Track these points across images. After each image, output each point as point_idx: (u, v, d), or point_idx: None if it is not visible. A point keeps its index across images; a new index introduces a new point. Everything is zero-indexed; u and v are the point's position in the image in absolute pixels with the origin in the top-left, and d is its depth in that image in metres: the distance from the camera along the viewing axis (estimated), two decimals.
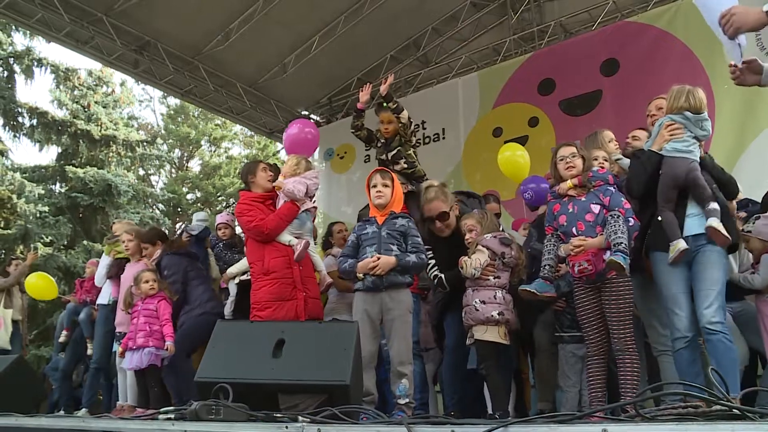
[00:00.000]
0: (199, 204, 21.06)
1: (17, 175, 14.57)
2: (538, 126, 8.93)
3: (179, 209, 20.13)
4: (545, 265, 3.87)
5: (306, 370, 2.91)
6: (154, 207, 17.76)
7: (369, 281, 3.68)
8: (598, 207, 3.76)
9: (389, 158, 5.22)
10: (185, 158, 23.14)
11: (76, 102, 16.37)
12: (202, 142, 22.89)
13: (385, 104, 5.17)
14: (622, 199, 3.73)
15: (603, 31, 8.82)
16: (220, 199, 21.14)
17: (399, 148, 5.19)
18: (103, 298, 6.42)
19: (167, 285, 5.42)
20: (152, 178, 22.01)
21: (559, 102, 8.81)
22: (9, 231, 13.73)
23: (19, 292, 7.63)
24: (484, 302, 3.99)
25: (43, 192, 14.91)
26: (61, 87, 16.38)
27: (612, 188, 3.79)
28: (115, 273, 6.23)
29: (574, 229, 3.78)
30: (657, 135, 3.82)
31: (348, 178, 11.23)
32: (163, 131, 22.63)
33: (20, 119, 15.01)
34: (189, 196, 21.48)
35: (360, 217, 4.91)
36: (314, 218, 5.08)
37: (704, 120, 3.77)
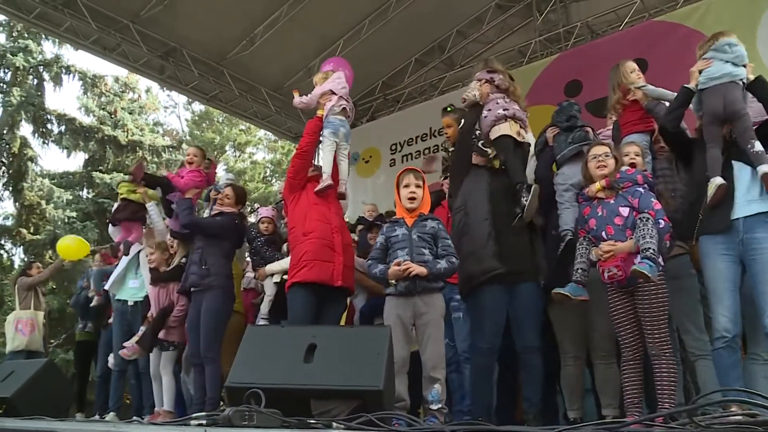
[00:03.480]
0: None
1: (46, 181, 14.77)
2: None
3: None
4: (578, 269, 3.79)
5: (338, 375, 2.86)
6: None
7: (402, 286, 3.62)
8: (627, 209, 3.67)
9: None
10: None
11: (103, 108, 16.57)
12: (227, 148, 23.00)
13: (449, 109, 5.15)
14: (653, 200, 3.63)
15: (630, 32, 8.68)
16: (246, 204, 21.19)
17: None
18: (122, 292, 6.26)
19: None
20: None
21: (586, 104, 8.64)
22: (38, 236, 13.90)
23: (42, 295, 7.66)
24: (489, 109, 4.28)
25: (71, 197, 15.08)
26: (89, 94, 16.58)
27: (641, 189, 3.69)
28: (123, 216, 6.12)
29: (603, 233, 3.70)
30: (690, 75, 3.74)
31: (373, 182, 11.19)
32: (188, 137, 22.80)
33: (49, 126, 15.21)
34: None
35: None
36: (350, 119, 5.03)
37: (732, 44, 3.70)
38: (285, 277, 5.23)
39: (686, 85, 3.74)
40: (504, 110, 4.26)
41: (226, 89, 10.60)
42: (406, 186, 3.88)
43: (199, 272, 5.11)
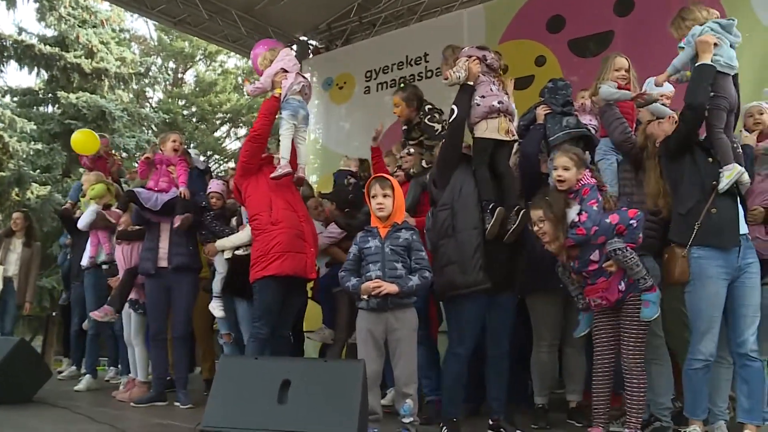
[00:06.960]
0: (195, 120, 20.59)
1: (7, 112, 13.67)
2: (545, 66, 8.51)
3: (174, 128, 19.61)
4: (576, 296, 3.88)
5: (312, 419, 2.92)
6: (149, 129, 17.20)
7: (374, 302, 3.59)
8: (597, 253, 3.63)
9: (407, 138, 5.05)
10: (180, 71, 22.40)
11: (65, 23, 15.39)
12: (198, 56, 22.04)
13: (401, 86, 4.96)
14: (612, 229, 3.55)
15: None
16: (217, 117, 20.67)
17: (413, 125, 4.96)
18: (102, 256, 6.20)
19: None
20: (147, 93, 21.43)
21: (568, 41, 8.40)
22: (2, 173, 13.27)
23: (22, 246, 7.50)
24: (483, 96, 4.00)
25: (35, 127, 14.32)
26: (47, 16, 15.48)
27: (596, 238, 3.57)
28: (101, 225, 6.05)
29: (584, 272, 3.74)
30: (704, 47, 3.53)
31: (348, 109, 10.94)
32: (155, 43, 21.76)
33: (5, 54, 14.17)
34: (185, 112, 20.96)
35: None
36: (308, 98, 4.80)
37: (733, 24, 3.67)
38: (237, 252, 5.12)
39: (708, 63, 3.51)
40: (498, 102, 4.01)
41: (195, 12, 10.07)
42: (374, 197, 3.74)
43: (188, 253, 5.13)
